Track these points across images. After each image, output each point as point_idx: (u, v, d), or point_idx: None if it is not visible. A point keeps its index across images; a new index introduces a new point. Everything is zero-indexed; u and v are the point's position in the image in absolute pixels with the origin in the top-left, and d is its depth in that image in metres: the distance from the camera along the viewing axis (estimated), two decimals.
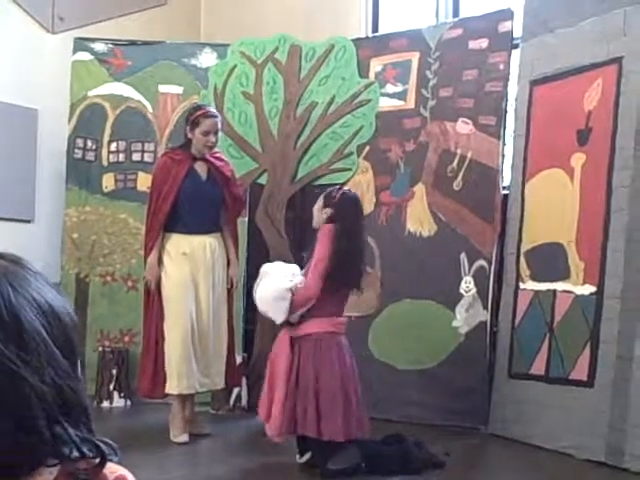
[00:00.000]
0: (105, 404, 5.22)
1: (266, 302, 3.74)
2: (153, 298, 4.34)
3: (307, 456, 3.73)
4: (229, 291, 4.52)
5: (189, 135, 4.36)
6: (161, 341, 4.28)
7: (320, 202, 3.91)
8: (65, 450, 0.91)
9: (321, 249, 3.74)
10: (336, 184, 5.20)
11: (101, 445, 0.95)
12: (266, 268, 3.89)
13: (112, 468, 0.97)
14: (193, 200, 4.32)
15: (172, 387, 4.24)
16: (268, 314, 3.76)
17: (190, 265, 4.30)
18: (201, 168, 4.41)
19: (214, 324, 4.37)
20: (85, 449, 0.93)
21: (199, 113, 4.36)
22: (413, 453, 3.77)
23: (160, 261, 4.34)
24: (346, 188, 4.12)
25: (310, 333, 3.70)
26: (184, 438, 4.21)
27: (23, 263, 0.96)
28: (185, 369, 4.22)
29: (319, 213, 3.89)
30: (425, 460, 3.77)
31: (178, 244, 4.34)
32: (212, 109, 4.53)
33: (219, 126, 4.40)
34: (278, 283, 3.72)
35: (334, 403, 3.60)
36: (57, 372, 0.91)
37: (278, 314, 3.69)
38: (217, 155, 4.51)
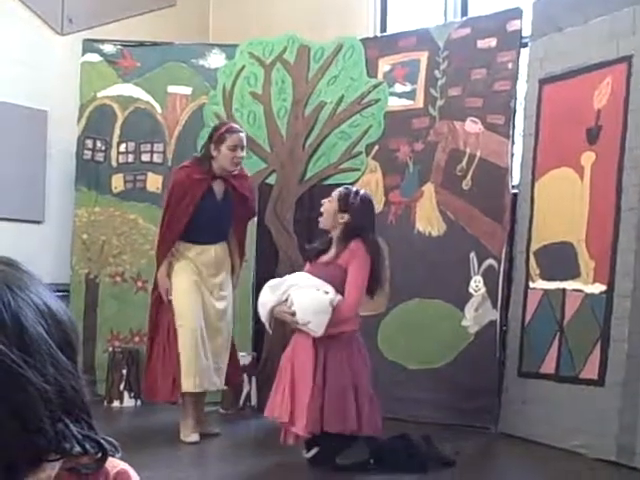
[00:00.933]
0: (115, 404, 5.24)
1: (307, 314, 3.68)
2: (162, 308, 4.37)
3: (314, 451, 3.74)
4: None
5: (213, 153, 4.29)
6: (175, 346, 4.30)
7: (335, 204, 3.86)
8: (67, 446, 0.92)
9: (361, 271, 3.75)
10: (345, 184, 5.21)
11: (102, 441, 0.97)
12: (296, 281, 3.83)
13: (114, 463, 0.99)
14: (206, 218, 4.33)
15: (184, 386, 4.26)
16: (308, 325, 3.69)
17: (196, 270, 4.34)
18: (218, 187, 4.39)
19: (221, 325, 4.40)
20: (87, 445, 0.94)
21: (224, 129, 4.34)
22: (420, 448, 3.79)
23: (169, 268, 4.38)
24: (362, 190, 4.07)
25: (339, 333, 3.71)
26: (195, 438, 4.22)
27: (18, 265, 0.98)
28: (194, 369, 4.24)
29: (334, 216, 3.85)
30: (432, 455, 3.79)
31: (187, 252, 4.37)
32: (236, 125, 4.51)
33: (244, 142, 4.37)
34: (318, 296, 3.71)
35: (371, 400, 3.68)
36: (59, 371, 0.93)
37: (319, 327, 3.67)
38: (236, 173, 4.41)
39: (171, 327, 4.31)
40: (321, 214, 3.93)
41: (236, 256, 4.56)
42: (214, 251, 4.41)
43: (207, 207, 4.34)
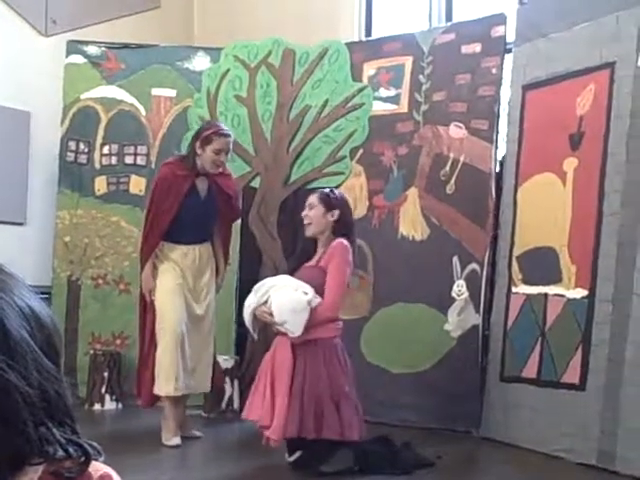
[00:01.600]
0: (97, 407, 5.21)
1: (284, 313, 3.68)
2: (147, 308, 4.35)
3: (296, 455, 3.74)
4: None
5: (198, 151, 4.28)
6: (154, 349, 4.29)
7: (320, 207, 3.87)
8: (50, 450, 0.92)
9: (341, 272, 3.74)
10: (327, 187, 5.24)
11: (85, 445, 0.96)
12: (276, 281, 3.84)
13: (97, 466, 0.98)
14: (190, 217, 4.31)
15: (161, 389, 4.24)
16: (285, 325, 3.69)
17: (180, 272, 4.32)
18: (202, 185, 4.37)
19: (202, 328, 4.38)
20: (70, 449, 0.94)
21: (212, 131, 4.31)
22: (401, 453, 3.81)
23: (153, 269, 4.36)
24: (336, 190, 4.13)
25: (317, 339, 3.70)
26: (176, 441, 4.20)
27: (1, 268, 0.97)
28: (174, 372, 4.22)
29: (323, 218, 3.86)
30: (413, 460, 3.80)
31: (170, 253, 4.36)
32: (225, 127, 4.47)
33: (230, 146, 4.36)
34: (296, 296, 3.70)
35: (350, 404, 3.65)
36: (42, 375, 0.92)
37: (296, 326, 3.66)
38: (220, 170, 4.41)
39: (154, 328, 4.30)
40: (307, 223, 3.91)
41: (220, 257, 4.54)
42: (198, 252, 4.39)
43: (191, 205, 4.31)
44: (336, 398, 3.64)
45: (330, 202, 3.87)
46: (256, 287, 3.87)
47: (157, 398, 4.34)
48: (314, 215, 3.88)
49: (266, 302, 3.77)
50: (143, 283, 4.37)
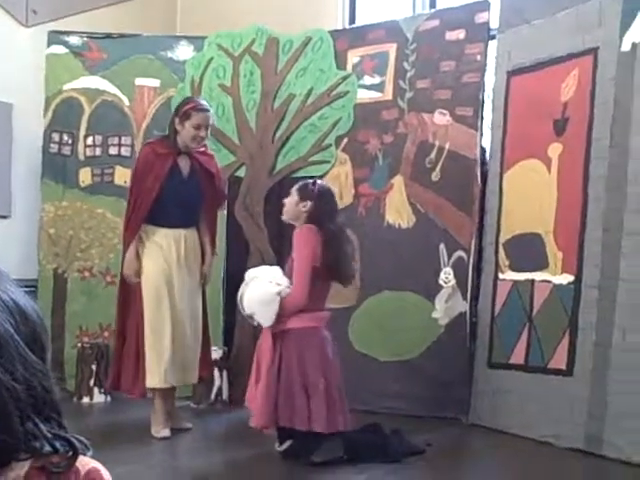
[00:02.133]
0: (85, 400, 5.19)
1: (253, 305, 3.72)
2: (134, 293, 4.30)
3: (286, 444, 3.76)
4: (202, 286, 4.49)
5: (177, 127, 4.26)
6: (142, 337, 4.25)
7: (295, 196, 3.91)
8: (36, 445, 0.92)
9: (300, 253, 3.75)
10: (315, 176, 5.21)
11: (73, 440, 0.96)
12: (253, 272, 3.87)
13: (84, 461, 0.98)
14: (173, 197, 4.27)
15: (154, 382, 4.23)
16: (255, 317, 3.74)
17: (165, 258, 4.28)
18: (184, 163, 4.34)
19: (190, 318, 4.34)
20: (57, 444, 0.93)
21: (191, 106, 4.29)
22: (391, 441, 3.83)
23: (138, 255, 4.31)
24: (320, 181, 4.12)
25: (291, 328, 3.71)
26: (166, 433, 4.20)
27: None
28: (163, 364, 4.20)
29: (295, 207, 3.89)
30: (403, 448, 3.83)
31: (155, 237, 4.30)
32: (204, 102, 4.43)
33: (210, 121, 4.32)
34: (265, 287, 3.72)
35: (319, 397, 3.62)
36: (28, 370, 0.92)
37: (265, 318, 3.69)
38: (202, 150, 4.43)
39: (141, 319, 4.26)
40: (284, 210, 3.95)
41: (207, 245, 4.49)
42: (184, 237, 4.34)
43: (173, 184, 4.27)
44: (307, 389, 3.65)
45: (305, 193, 3.88)
46: (245, 277, 3.90)
47: (137, 387, 4.31)
48: (288, 202, 3.94)
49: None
50: (125, 265, 4.30)
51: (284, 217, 3.99)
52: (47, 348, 1.00)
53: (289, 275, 3.78)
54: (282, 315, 3.69)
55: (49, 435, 0.93)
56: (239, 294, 3.86)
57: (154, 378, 4.21)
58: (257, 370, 3.76)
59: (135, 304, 4.29)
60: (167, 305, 4.24)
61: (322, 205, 3.86)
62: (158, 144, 4.36)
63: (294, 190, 3.95)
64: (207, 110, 4.31)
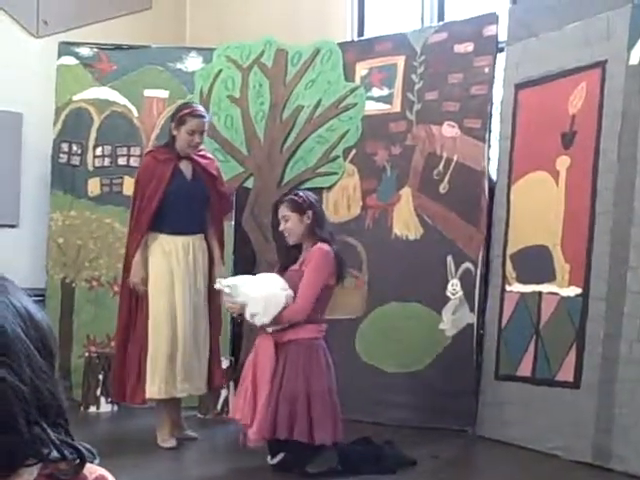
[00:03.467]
0: (92, 409, 5.20)
1: (258, 298, 3.70)
2: (141, 301, 4.29)
3: (279, 457, 3.74)
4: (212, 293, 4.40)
5: (174, 132, 4.30)
6: (145, 345, 4.24)
7: (294, 215, 3.87)
8: (44, 451, 0.92)
9: (316, 274, 3.75)
10: (322, 188, 5.26)
11: (80, 447, 0.96)
12: (260, 275, 3.86)
13: (91, 469, 0.98)
14: (178, 200, 4.26)
15: (153, 392, 4.21)
16: (252, 309, 3.71)
17: (171, 266, 4.26)
18: (186, 167, 4.36)
19: (195, 327, 4.30)
20: (65, 451, 0.93)
21: (186, 111, 4.31)
22: (385, 452, 3.83)
23: (145, 262, 4.29)
24: (297, 191, 4.14)
25: (299, 339, 3.71)
26: (172, 443, 4.19)
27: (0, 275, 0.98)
28: (165, 374, 4.18)
29: (300, 224, 3.87)
30: (397, 459, 3.83)
31: (161, 244, 4.29)
32: (201, 108, 4.45)
33: (205, 127, 4.34)
34: (277, 289, 3.72)
35: (326, 408, 3.63)
36: (35, 373, 0.92)
37: (264, 316, 3.68)
38: (202, 153, 4.46)
39: (146, 327, 4.23)
40: (287, 235, 3.93)
41: (216, 250, 4.44)
42: (191, 244, 4.31)
43: (177, 187, 4.27)
44: (310, 400, 3.63)
45: (301, 206, 3.89)
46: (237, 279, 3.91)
47: (137, 396, 4.28)
48: (291, 227, 3.90)
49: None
50: (132, 272, 4.28)
51: (292, 240, 3.93)
52: (55, 356, 1.00)
53: (292, 286, 3.77)
54: (277, 321, 3.69)
55: (57, 441, 0.93)
56: (230, 281, 3.83)
57: (153, 388, 4.19)
58: (253, 382, 3.71)
59: (142, 312, 4.27)
60: (170, 315, 4.21)
61: (320, 208, 4.00)
62: (158, 151, 4.40)
63: (288, 212, 3.89)
64: (202, 116, 4.32)
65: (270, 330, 3.73)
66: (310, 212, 3.87)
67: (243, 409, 3.71)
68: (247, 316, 3.78)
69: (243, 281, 3.83)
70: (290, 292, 3.73)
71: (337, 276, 3.86)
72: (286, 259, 3.99)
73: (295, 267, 3.89)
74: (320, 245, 3.80)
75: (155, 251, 4.29)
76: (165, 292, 4.23)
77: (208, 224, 4.45)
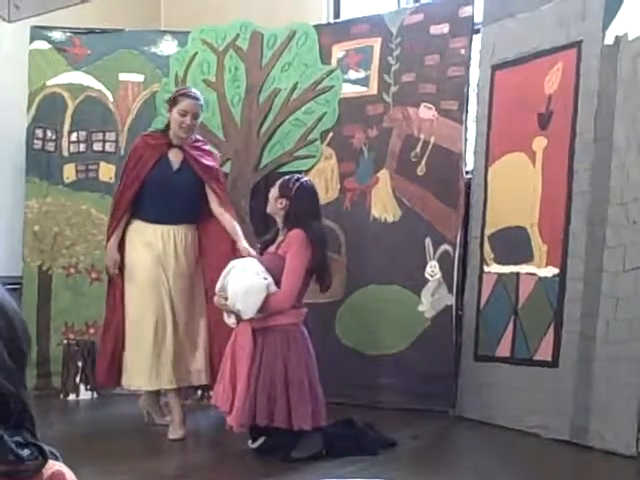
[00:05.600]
0: (71, 397, 5.17)
1: (239, 293, 3.66)
2: (116, 286, 4.24)
3: (260, 441, 3.75)
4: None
5: (167, 114, 4.26)
6: (122, 332, 4.18)
7: (276, 191, 3.91)
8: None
9: (296, 260, 3.72)
10: (300, 171, 5.22)
11: (43, 447, 0.95)
12: (238, 263, 3.82)
13: (48, 464, 0.97)
14: (160, 189, 4.17)
15: (140, 384, 4.18)
16: (236, 306, 3.68)
17: (155, 255, 4.17)
18: (175, 156, 4.25)
19: (186, 318, 4.21)
20: (24, 453, 0.92)
21: (180, 92, 4.27)
22: (366, 434, 3.84)
23: (123, 249, 4.23)
24: (304, 177, 4.08)
25: (277, 325, 3.69)
26: (178, 434, 4.12)
27: None
28: (151, 365, 4.11)
29: (274, 202, 3.91)
30: (378, 441, 3.85)
31: (143, 233, 4.22)
32: (195, 91, 4.35)
33: (199, 110, 4.22)
34: (253, 278, 3.68)
35: (303, 393, 3.63)
36: (1, 373, 0.90)
37: (248, 309, 3.64)
38: (197, 145, 4.34)
39: (123, 313, 4.17)
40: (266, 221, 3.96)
41: (235, 232, 4.23)
42: (175, 234, 4.22)
43: (160, 176, 4.18)
44: (289, 386, 3.62)
45: (283, 190, 3.89)
46: (222, 273, 3.85)
47: (110, 380, 4.24)
48: (270, 196, 3.95)
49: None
50: (106, 254, 4.25)
51: (268, 210, 4.00)
52: (27, 356, 0.98)
53: (269, 269, 3.75)
54: (263, 311, 3.67)
55: (12, 445, 0.92)
56: (219, 284, 3.81)
57: (140, 380, 4.15)
58: (232, 368, 3.69)
59: (117, 297, 4.21)
60: (152, 303, 4.12)
61: (298, 204, 3.84)
62: (151, 135, 4.33)
63: (277, 184, 3.96)
64: (195, 98, 4.22)
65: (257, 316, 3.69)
66: (284, 201, 3.85)
67: (222, 396, 3.70)
68: (234, 311, 3.74)
69: (227, 279, 3.77)
70: (270, 280, 3.69)
71: (317, 276, 3.84)
72: (270, 235, 3.98)
73: (271, 249, 3.88)
74: (297, 230, 3.78)
75: (134, 238, 4.23)
76: (147, 281, 4.15)
77: (218, 212, 4.28)
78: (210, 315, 4.22)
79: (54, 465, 0.98)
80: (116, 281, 4.24)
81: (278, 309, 3.69)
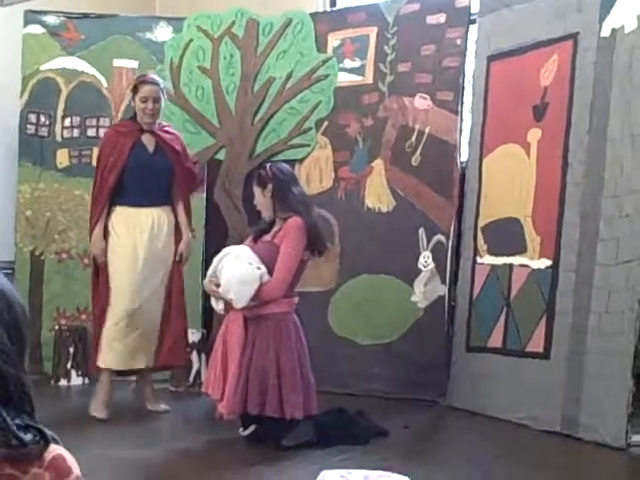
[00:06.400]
0: (63, 382, 5.17)
1: (231, 283, 3.66)
2: (102, 274, 4.27)
3: (251, 429, 3.76)
4: (179, 266, 4.39)
5: (132, 103, 4.34)
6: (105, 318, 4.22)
7: (258, 189, 3.88)
8: (2, 437, 0.90)
9: (291, 249, 3.71)
10: (295, 160, 5.23)
11: (45, 430, 0.95)
12: (232, 250, 3.82)
13: (50, 448, 0.97)
14: (139, 173, 4.25)
15: (106, 362, 4.22)
16: (228, 295, 3.67)
17: (135, 240, 4.24)
18: (148, 140, 4.34)
19: (157, 301, 4.28)
20: (26, 437, 0.92)
21: (139, 80, 4.35)
22: (357, 423, 3.85)
23: (106, 235, 4.27)
24: (271, 164, 4.09)
25: (269, 314, 3.69)
26: (104, 414, 4.16)
27: None
28: (120, 345, 4.18)
29: (261, 196, 3.87)
30: (369, 429, 3.86)
31: (125, 217, 4.28)
32: (154, 76, 4.44)
33: (159, 94, 4.29)
34: (246, 267, 3.67)
35: (295, 382, 3.63)
36: (3, 358, 0.90)
37: (241, 298, 3.64)
38: (166, 128, 4.44)
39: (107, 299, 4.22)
40: (259, 209, 3.93)
41: (183, 224, 4.40)
42: (154, 216, 4.28)
43: (139, 159, 4.26)
44: (281, 375, 3.62)
45: (262, 180, 3.88)
46: (214, 259, 3.85)
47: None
48: (258, 202, 3.92)
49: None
50: (92, 244, 4.30)
51: (265, 214, 3.91)
52: (27, 342, 0.99)
53: (263, 258, 3.74)
54: (255, 300, 3.66)
55: (14, 428, 0.92)
56: (211, 269, 3.80)
57: (108, 358, 4.20)
58: (223, 356, 3.69)
59: (104, 285, 4.25)
60: (132, 288, 4.18)
61: (281, 184, 3.84)
62: (120, 124, 4.44)
63: (254, 186, 3.94)
64: (154, 83, 4.31)
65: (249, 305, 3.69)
66: (270, 186, 3.84)
67: (213, 384, 3.71)
68: (226, 299, 3.74)
69: (220, 267, 3.77)
70: (263, 269, 3.68)
71: (312, 250, 3.84)
72: (258, 230, 3.97)
73: (267, 238, 3.86)
74: (295, 218, 3.77)
75: (118, 224, 4.28)
76: (128, 265, 4.20)
77: (174, 198, 4.40)
78: (177, 292, 4.34)
79: (55, 449, 0.98)
80: (104, 268, 4.26)
81: (270, 298, 3.68)
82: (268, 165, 4.01)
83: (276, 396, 3.60)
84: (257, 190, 3.91)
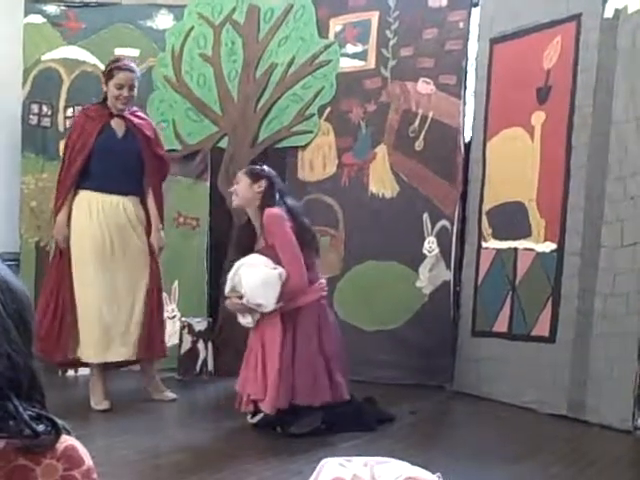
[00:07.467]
0: (70, 372, 5.18)
1: (256, 290, 3.64)
2: (63, 259, 4.21)
3: (259, 416, 3.77)
4: (153, 257, 4.32)
5: (104, 88, 4.26)
6: (70, 304, 4.16)
7: (247, 179, 3.87)
8: (12, 425, 0.91)
9: (283, 236, 3.70)
10: (298, 146, 5.23)
11: (57, 421, 0.95)
12: (244, 261, 3.77)
13: (61, 439, 0.97)
14: (107, 157, 4.19)
15: (89, 356, 4.19)
16: (256, 301, 3.64)
17: (102, 225, 4.17)
18: (118, 125, 4.27)
19: (130, 290, 4.22)
20: (39, 427, 0.93)
21: (114, 65, 4.25)
22: (365, 410, 3.86)
23: (70, 219, 4.22)
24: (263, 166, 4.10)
25: (304, 305, 3.70)
26: (105, 405, 4.14)
27: None
28: (99, 338, 4.14)
29: (249, 189, 3.84)
30: (377, 416, 3.88)
31: (89, 202, 4.21)
32: (130, 63, 4.37)
33: (135, 82, 4.24)
34: (264, 270, 3.67)
35: (340, 366, 3.72)
36: (11, 346, 0.91)
37: (269, 301, 3.62)
38: (137, 113, 4.38)
39: (71, 285, 4.16)
40: (234, 196, 3.92)
41: (154, 215, 4.33)
42: (122, 204, 4.22)
43: (107, 144, 4.20)
44: (327, 360, 3.68)
45: (256, 174, 3.88)
46: (228, 276, 3.82)
47: (58, 354, 4.19)
48: (240, 188, 3.89)
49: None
50: (55, 229, 4.25)
51: (235, 203, 3.94)
52: (32, 329, 0.99)
53: (273, 262, 3.73)
54: (285, 299, 3.65)
55: (26, 418, 0.92)
56: (228, 286, 3.78)
57: (90, 352, 4.16)
58: (262, 361, 3.68)
59: (64, 270, 4.19)
60: (104, 274, 4.14)
61: (276, 183, 3.88)
62: (91, 109, 4.33)
63: (242, 174, 3.93)
64: (130, 70, 4.25)
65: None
66: (264, 182, 3.84)
67: (253, 385, 3.69)
68: (253, 307, 3.70)
69: (237, 280, 3.76)
70: (280, 269, 3.67)
71: (302, 242, 3.82)
72: (238, 242, 3.99)
73: (262, 244, 3.84)
74: (266, 210, 3.75)
75: (80, 209, 4.21)
76: (94, 251, 4.14)
77: (145, 187, 4.33)
78: (152, 284, 4.28)
79: (67, 439, 0.99)
80: (65, 253, 4.21)
81: (298, 291, 3.68)
82: (259, 164, 4.05)
83: (326, 382, 3.66)
84: (244, 179, 3.89)
